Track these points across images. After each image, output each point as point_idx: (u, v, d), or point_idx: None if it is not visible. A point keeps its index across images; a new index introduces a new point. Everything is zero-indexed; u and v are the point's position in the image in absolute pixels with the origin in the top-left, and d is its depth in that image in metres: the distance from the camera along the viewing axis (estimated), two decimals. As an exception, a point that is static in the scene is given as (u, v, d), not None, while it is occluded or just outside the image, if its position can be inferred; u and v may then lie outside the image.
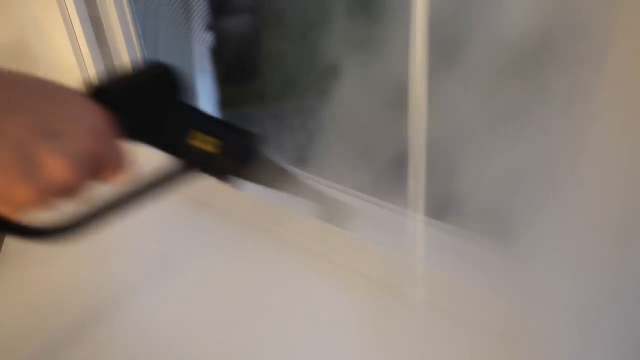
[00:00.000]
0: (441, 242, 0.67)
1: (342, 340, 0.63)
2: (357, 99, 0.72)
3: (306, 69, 0.87)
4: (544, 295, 0.54)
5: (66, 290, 0.73)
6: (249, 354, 0.63)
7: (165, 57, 0.95)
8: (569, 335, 0.50)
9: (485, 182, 0.59)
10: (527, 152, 0.53)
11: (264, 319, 0.67)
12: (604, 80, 0.41)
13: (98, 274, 0.76)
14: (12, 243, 0.81)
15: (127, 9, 0.82)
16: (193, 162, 0.46)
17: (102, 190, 0.38)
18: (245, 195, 0.80)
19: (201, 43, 0.94)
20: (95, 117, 0.33)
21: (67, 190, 0.32)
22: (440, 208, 0.67)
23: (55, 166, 0.30)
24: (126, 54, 0.85)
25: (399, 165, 0.63)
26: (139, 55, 0.87)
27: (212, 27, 0.93)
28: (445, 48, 0.54)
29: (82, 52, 0.82)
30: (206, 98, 1.04)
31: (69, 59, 0.83)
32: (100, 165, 0.34)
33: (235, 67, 1.02)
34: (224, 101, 1.04)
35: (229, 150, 0.47)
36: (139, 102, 0.42)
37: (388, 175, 0.71)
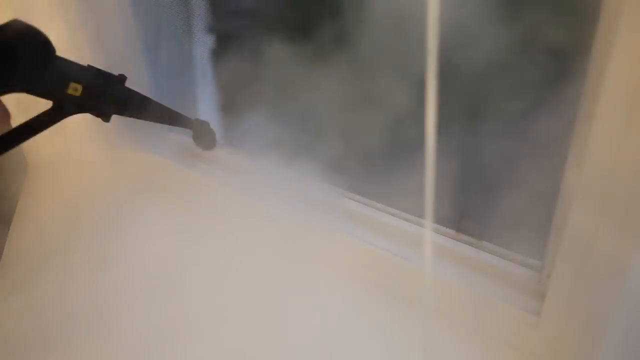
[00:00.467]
0: (447, 249, 0.66)
1: (346, 346, 0.63)
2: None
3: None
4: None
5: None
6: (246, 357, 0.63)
7: (166, 59, 0.95)
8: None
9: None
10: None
11: (267, 322, 0.67)
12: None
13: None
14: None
15: (128, 12, 0.82)
16: (67, 105, 0.61)
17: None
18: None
19: (202, 45, 0.93)
20: None
21: None
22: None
23: None
24: (128, 61, 0.85)
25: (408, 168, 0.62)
26: (140, 58, 0.87)
27: (213, 29, 0.93)
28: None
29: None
30: (207, 100, 1.03)
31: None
32: None
33: (236, 69, 1.02)
34: (225, 103, 1.04)
35: (90, 92, 0.63)
36: (6, 57, 0.53)
37: (396, 178, 0.71)
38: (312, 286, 0.72)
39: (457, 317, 0.65)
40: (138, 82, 0.87)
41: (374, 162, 0.79)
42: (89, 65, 0.64)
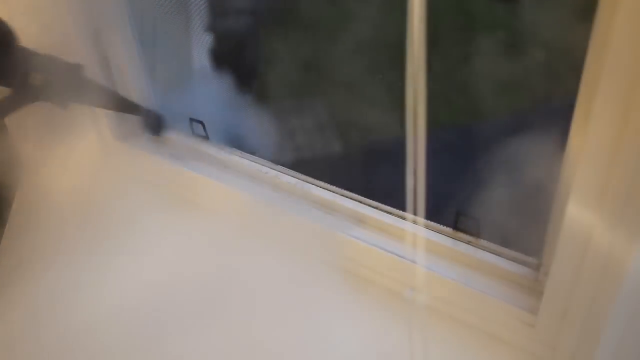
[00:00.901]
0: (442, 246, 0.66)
1: (341, 345, 0.63)
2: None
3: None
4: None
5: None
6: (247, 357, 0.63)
7: (164, 58, 0.95)
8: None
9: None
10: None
11: (267, 325, 0.67)
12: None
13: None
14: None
15: (124, 11, 0.82)
16: (26, 94, 0.64)
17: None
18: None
19: (200, 44, 0.93)
20: None
21: None
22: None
23: None
24: (125, 58, 0.85)
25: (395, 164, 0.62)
26: (136, 57, 0.87)
27: (211, 27, 0.93)
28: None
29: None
30: (207, 98, 1.03)
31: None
32: None
33: (235, 68, 1.02)
34: (225, 101, 1.04)
35: (50, 81, 0.64)
36: None
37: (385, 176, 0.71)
38: (308, 281, 0.71)
39: (454, 315, 0.64)
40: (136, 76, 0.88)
41: (376, 162, 0.79)
42: (49, 54, 0.66)
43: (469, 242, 0.66)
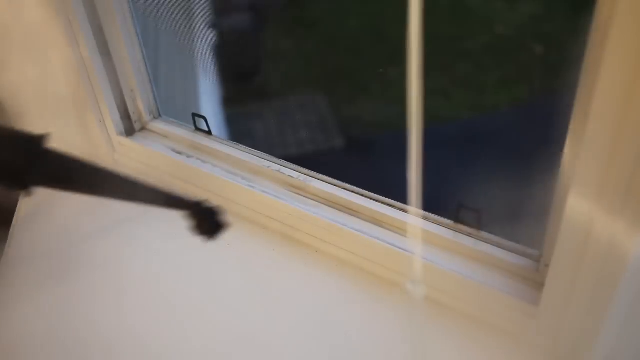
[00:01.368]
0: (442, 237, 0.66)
1: (340, 337, 0.63)
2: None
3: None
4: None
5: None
6: (241, 347, 0.63)
7: (166, 55, 0.95)
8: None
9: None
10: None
11: (263, 314, 0.67)
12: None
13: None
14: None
15: (126, 7, 0.82)
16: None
17: None
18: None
19: (203, 41, 0.94)
20: None
21: None
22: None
23: None
24: (126, 53, 0.85)
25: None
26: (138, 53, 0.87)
27: (214, 24, 0.93)
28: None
29: (83, 54, 0.82)
30: (208, 96, 1.04)
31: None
32: None
33: (237, 64, 1.02)
34: (226, 99, 1.04)
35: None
36: None
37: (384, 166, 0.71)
38: (305, 274, 0.72)
39: (454, 307, 0.65)
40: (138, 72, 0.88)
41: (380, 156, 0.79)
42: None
43: (469, 234, 0.66)
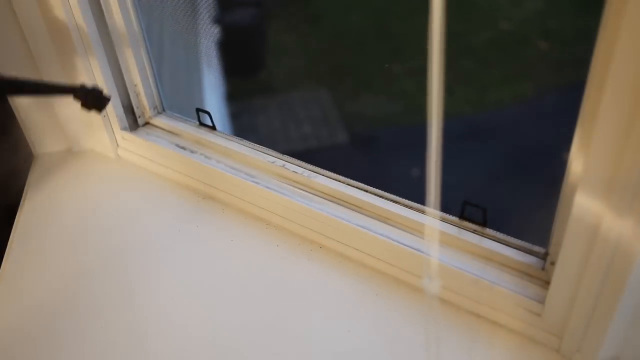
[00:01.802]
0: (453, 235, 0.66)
1: (349, 336, 0.63)
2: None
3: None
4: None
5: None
6: (245, 346, 0.63)
7: (170, 50, 0.95)
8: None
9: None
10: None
11: (266, 309, 0.67)
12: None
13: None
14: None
15: (130, 2, 0.82)
16: None
17: None
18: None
19: (207, 36, 0.93)
20: None
21: None
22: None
23: None
24: (130, 48, 0.85)
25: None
26: (142, 49, 0.87)
27: (218, 19, 0.93)
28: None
29: (87, 49, 0.82)
30: (212, 91, 1.04)
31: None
32: None
33: (241, 59, 1.02)
34: (230, 94, 1.04)
35: None
36: None
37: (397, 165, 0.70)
38: (308, 270, 0.72)
39: (459, 303, 0.64)
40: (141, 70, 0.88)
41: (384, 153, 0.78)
42: None
43: (474, 231, 0.65)
